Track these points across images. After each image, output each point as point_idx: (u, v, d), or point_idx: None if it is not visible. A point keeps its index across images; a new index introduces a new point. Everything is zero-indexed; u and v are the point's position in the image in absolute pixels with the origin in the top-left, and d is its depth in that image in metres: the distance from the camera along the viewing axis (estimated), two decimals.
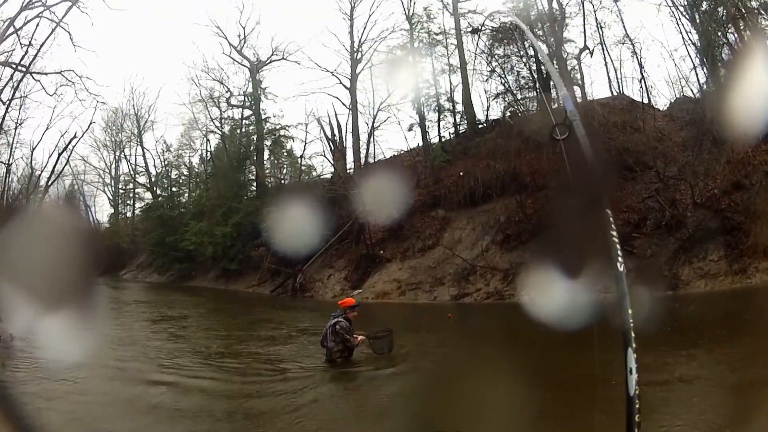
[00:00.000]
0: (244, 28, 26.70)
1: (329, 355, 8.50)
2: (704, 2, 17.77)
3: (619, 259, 2.43)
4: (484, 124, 21.09)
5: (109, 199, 36.85)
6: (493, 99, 21.20)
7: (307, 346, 10.12)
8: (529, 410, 5.63)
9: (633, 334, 2.27)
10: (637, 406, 2.14)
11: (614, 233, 2.54)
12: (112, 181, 36.55)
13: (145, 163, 34.13)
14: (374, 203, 18.08)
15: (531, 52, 20.85)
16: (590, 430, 4.85)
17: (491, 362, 8.12)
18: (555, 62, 19.98)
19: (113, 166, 36.29)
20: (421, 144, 22.11)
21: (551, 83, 20.01)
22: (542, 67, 20.68)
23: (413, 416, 6.51)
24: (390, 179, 17.48)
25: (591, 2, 20.05)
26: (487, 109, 21.80)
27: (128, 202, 36.58)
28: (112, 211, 37.04)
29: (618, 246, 2.49)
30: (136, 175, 34.96)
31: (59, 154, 28.66)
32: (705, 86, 17.61)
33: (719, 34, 17.17)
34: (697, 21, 17.75)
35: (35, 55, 24.49)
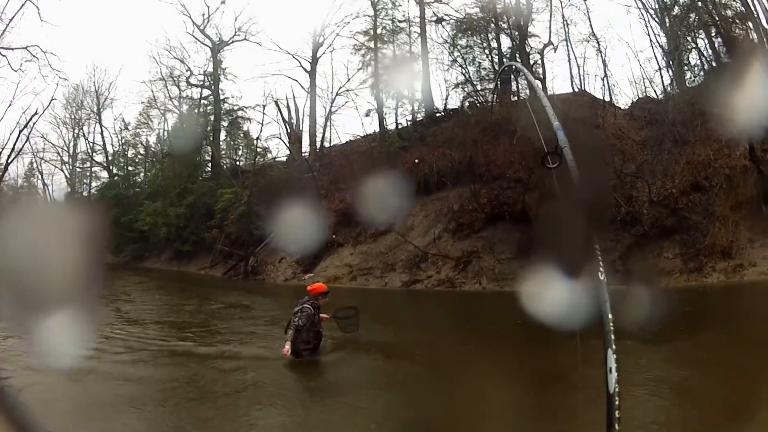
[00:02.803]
0: (209, 7, 25.62)
1: (294, 347, 7.60)
2: (676, 7, 17.68)
3: (601, 269, 2.60)
4: (442, 113, 20.75)
5: (66, 177, 35.09)
6: (453, 89, 20.93)
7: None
8: (505, 406, 5.44)
9: (613, 337, 2.36)
10: (616, 402, 2.19)
11: (597, 248, 2.72)
12: (70, 160, 34.84)
13: (103, 141, 32.59)
14: (328, 187, 17.49)
15: (494, 44, 20.60)
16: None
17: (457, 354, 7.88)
18: (518, 57, 19.72)
19: (71, 143, 34.55)
20: (377, 130, 21.59)
21: (513, 75, 19.82)
22: (504, 60, 20.41)
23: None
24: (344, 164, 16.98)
25: None
26: (446, 99, 21.51)
27: (85, 181, 34.93)
28: (69, 190, 35.37)
29: (600, 258, 2.65)
30: (94, 154, 33.39)
31: (20, 131, 27.08)
32: (669, 88, 17.54)
33: (689, 38, 17.12)
34: (667, 24, 17.64)
35: (4, 30, 23.31)
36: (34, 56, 24.69)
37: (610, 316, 2.43)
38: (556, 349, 6.56)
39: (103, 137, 32.58)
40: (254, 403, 5.94)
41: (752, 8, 15.73)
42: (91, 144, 33.50)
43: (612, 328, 2.39)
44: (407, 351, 8.20)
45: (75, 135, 34.10)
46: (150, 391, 6.31)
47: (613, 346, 2.33)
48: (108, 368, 7.14)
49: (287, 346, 7.39)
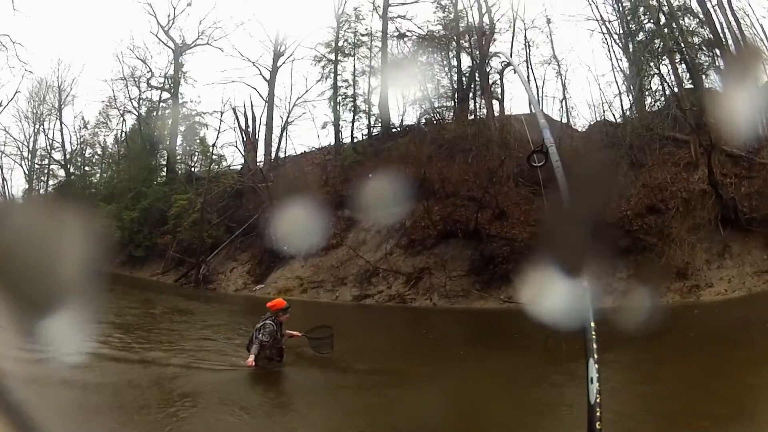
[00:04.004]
0: (174, 8, 24.85)
1: (257, 363, 7.63)
2: (641, 33, 17.82)
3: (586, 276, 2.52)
4: (398, 129, 20.60)
5: (24, 174, 33.82)
6: (410, 105, 20.78)
7: None
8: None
9: (595, 346, 2.24)
10: (597, 413, 2.08)
11: (587, 254, 2.70)
12: (29, 155, 33.56)
13: (62, 138, 31.40)
14: (281, 198, 17.10)
15: (454, 62, 20.53)
16: None
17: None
18: (477, 77, 19.71)
19: (32, 139, 33.29)
20: (333, 143, 21.34)
21: (471, 94, 19.79)
22: (462, 78, 20.36)
23: None
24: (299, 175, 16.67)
25: (522, 20, 19.89)
26: (403, 114, 21.34)
27: (42, 178, 33.65)
28: (27, 187, 34.04)
29: (587, 265, 2.60)
30: (52, 151, 32.18)
31: None
32: (628, 112, 17.68)
33: (651, 64, 17.25)
34: (630, 50, 17.77)
35: None
36: (3, 46, 23.49)
37: (592, 324, 2.30)
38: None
39: (62, 134, 31.41)
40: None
41: (721, 36, 15.99)
42: (50, 141, 32.39)
43: (594, 336, 2.28)
44: (366, 365, 8.35)
45: (35, 130, 32.91)
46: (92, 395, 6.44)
47: (595, 356, 2.21)
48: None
49: (251, 358, 7.44)
